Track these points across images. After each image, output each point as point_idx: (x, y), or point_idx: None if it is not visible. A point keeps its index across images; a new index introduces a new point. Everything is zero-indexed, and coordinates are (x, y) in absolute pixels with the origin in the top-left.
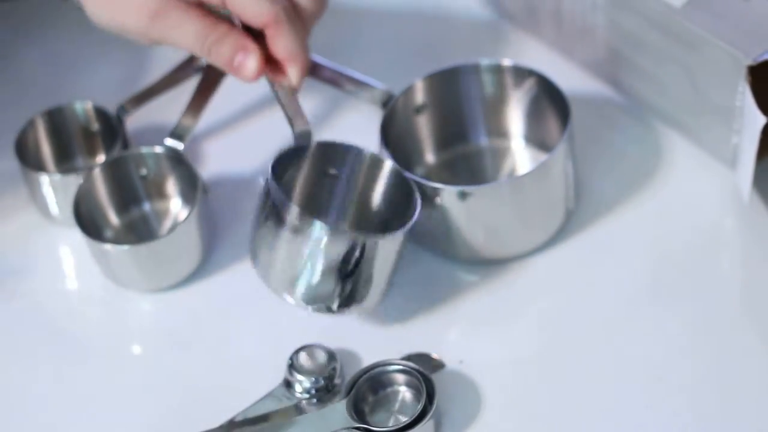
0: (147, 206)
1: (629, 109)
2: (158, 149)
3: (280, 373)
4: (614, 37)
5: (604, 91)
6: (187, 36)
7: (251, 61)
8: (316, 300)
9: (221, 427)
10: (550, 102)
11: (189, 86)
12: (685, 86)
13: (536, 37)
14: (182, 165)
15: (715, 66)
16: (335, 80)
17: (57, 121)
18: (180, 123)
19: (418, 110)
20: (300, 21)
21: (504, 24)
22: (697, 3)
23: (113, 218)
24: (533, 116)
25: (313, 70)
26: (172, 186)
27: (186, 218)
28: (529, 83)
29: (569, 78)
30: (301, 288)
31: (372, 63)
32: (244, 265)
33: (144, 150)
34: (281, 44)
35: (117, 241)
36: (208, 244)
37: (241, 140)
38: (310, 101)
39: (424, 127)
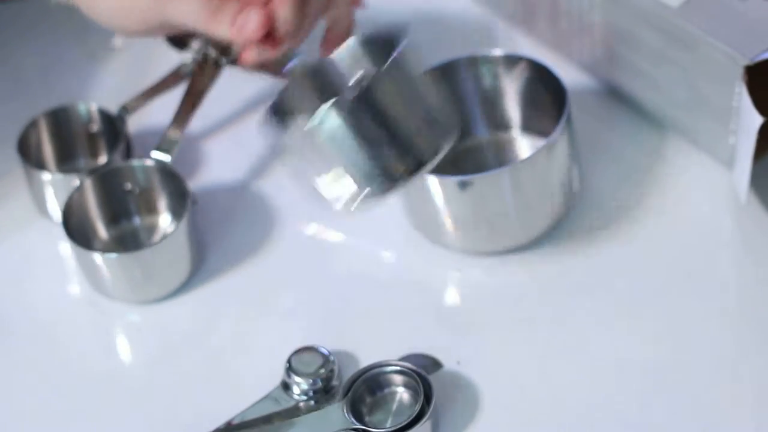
0: (137, 219)
1: (626, 109)
2: (148, 162)
3: (278, 375)
4: (611, 37)
5: (601, 90)
6: (189, 8)
7: (252, 18)
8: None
9: (218, 429)
10: (549, 91)
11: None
12: (681, 86)
13: (533, 36)
14: (172, 177)
15: (712, 66)
16: None
17: (60, 121)
18: (166, 135)
19: None
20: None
21: (500, 23)
22: (694, 3)
23: (102, 231)
24: (532, 106)
25: None
26: (161, 199)
27: (174, 230)
28: (522, 68)
29: (565, 77)
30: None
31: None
32: (235, 274)
33: (135, 163)
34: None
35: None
36: (197, 256)
37: (230, 148)
38: None
39: None
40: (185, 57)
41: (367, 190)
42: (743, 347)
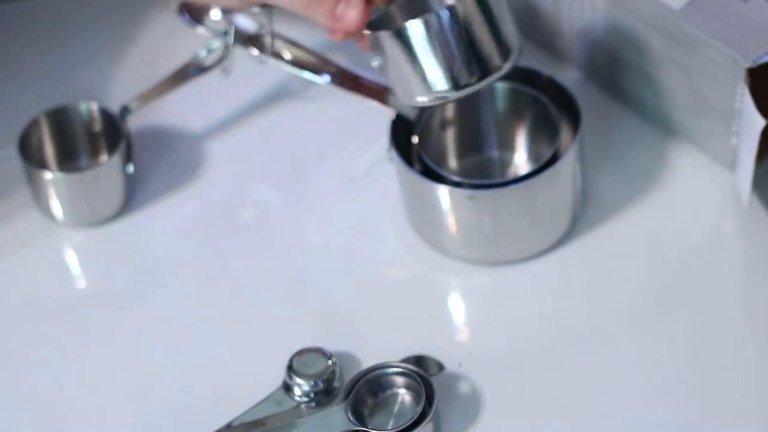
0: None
1: (627, 111)
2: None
3: (280, 376)
4: (613, 40)
5: (603, 93)
6: None
7: (352, 10)
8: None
9: (219, 431)
10: (562, 109)
11: (192, 86)
12: (684, 89)
13: (534, 38)
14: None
15: (715, 68)
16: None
17: (61, 120)
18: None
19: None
20: None
21: None
22: (697, 5)
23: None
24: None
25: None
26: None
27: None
28: (539, 83)
29: (567, 80)
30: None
31: (367, 65)
32: (238, 276)
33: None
34: None
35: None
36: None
37: (236, 148)
38: (320, 106)
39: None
40: (197, 52)
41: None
42: (746, 348)
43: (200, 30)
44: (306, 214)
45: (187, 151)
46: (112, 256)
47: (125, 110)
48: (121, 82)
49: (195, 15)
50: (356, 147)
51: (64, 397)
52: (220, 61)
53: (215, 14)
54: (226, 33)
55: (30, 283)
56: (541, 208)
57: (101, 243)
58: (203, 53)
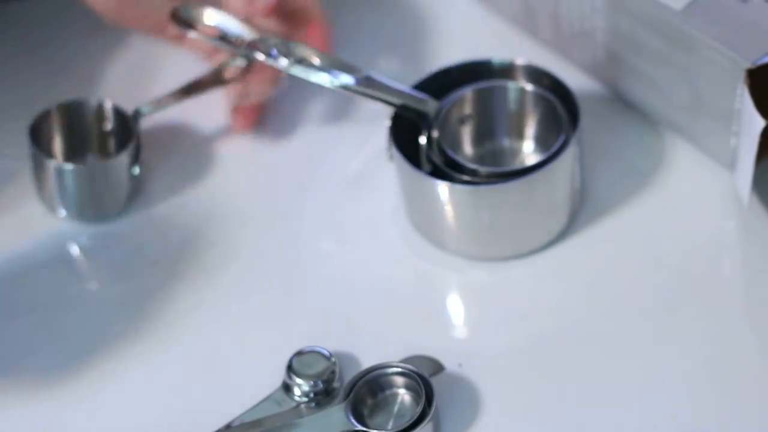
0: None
1: (628, 112)
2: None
3: (279, 376)
4: (613, 40)
5: (603, 93)
6: None
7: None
8: None
9: (219, 431)
10: (562, 105)
11: (208, 94)
12: (684, 89)
13: (534, 38)
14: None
15: (714, 69)
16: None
17: (73, 114)
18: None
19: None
20: None
21: (502, 25)
22: (697, 6)
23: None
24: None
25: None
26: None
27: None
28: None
29: (567, 80)
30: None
31: (368, 65)
32: (238, 272)
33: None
34: None
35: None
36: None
37: (244, 150)
38: (319, 106)
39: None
40: (223, 59)
41: None
42: (746, 347)
43: (192, 35)
44: (305, 213)
45: (192, 153)
46: (114, 255)
47: (138, 113)
48: (134, 82)
49: (185, 23)
50: (356, 146)
51: (63, 395)
52: (240, 74)
53: (209, 18)
54: (244, 46)
55: (32, 278)
56: (539, 204)
57: (104, 240)
58: (223, 67)
